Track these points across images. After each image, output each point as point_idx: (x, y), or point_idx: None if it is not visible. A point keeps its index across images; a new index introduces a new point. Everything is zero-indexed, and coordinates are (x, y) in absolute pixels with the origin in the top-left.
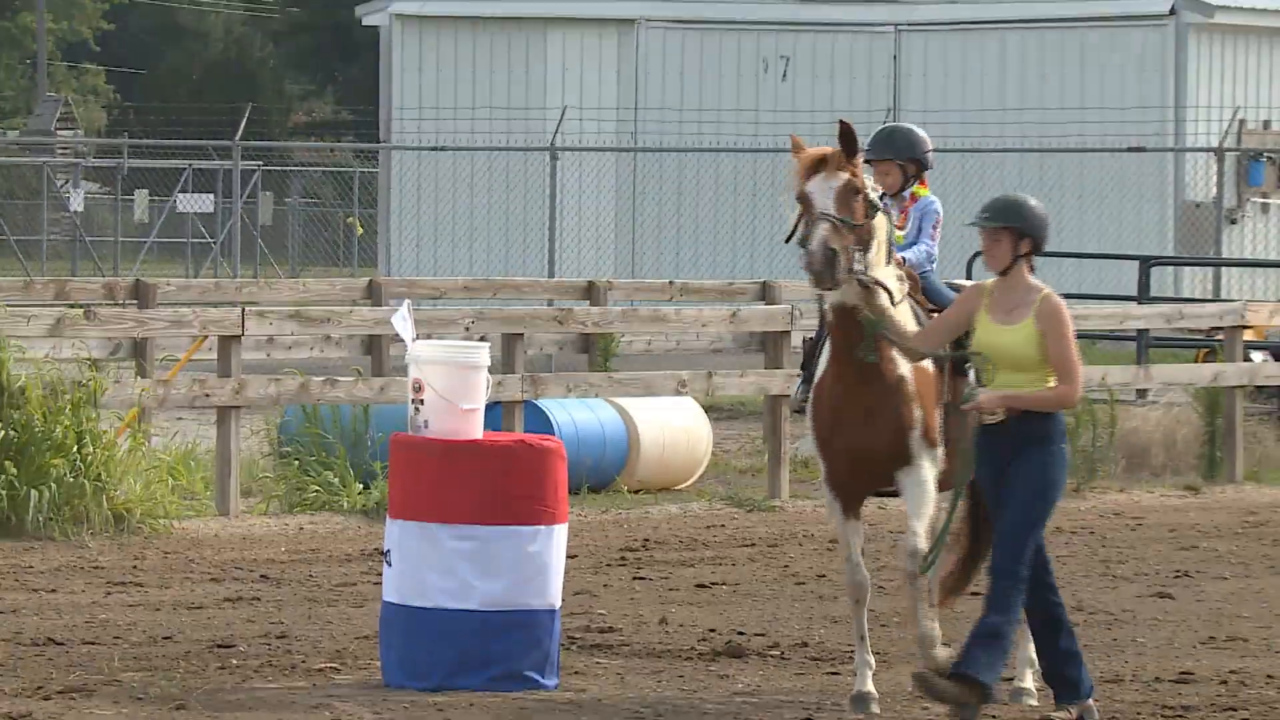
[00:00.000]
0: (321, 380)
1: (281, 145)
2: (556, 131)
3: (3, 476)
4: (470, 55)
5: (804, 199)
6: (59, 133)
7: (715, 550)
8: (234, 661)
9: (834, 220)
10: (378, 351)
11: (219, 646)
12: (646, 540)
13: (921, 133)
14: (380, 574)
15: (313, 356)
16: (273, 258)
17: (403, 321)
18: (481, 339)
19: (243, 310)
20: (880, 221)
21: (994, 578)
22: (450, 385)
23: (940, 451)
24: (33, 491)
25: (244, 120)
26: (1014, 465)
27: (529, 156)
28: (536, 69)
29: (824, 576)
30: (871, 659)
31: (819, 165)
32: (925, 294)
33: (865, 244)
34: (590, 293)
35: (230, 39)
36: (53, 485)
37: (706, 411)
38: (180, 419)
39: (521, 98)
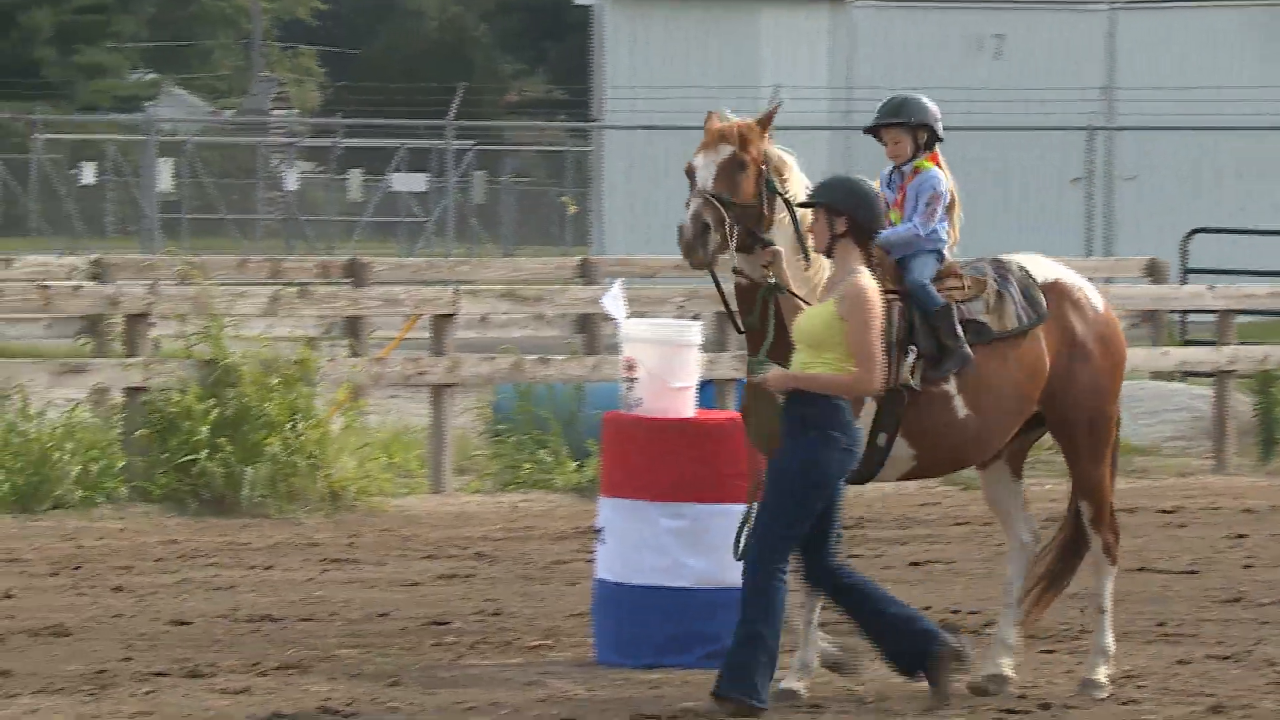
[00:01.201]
0: (534, 359)
1: (494, 124)
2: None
3: (219, 454)
4: (682, 34)
5: (689, 173)
6: (274, 112)
7: (929, 528)
8: (448, 638)
9: (708, 196)
10: (591, 330)
11: (434, 623)
12: (860, 518)
13: (933, 105)
14: (593, 552)
15: (526, 335)
16: (486, 237)
17: (613, 301)
18: (694, 317)
19: (456, 289)
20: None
21: (744, 575)
22: (662, 363)
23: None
24: (248, 469)
25: (457, 100)
26: (782, 449)
27: None
28: (747, 47)
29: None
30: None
31: (712, 140)
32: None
33: (758, 223)
34: None
35: (443, 18)
36: (268, 463)
37: None
38: (394, 397)
39: (732, 76)
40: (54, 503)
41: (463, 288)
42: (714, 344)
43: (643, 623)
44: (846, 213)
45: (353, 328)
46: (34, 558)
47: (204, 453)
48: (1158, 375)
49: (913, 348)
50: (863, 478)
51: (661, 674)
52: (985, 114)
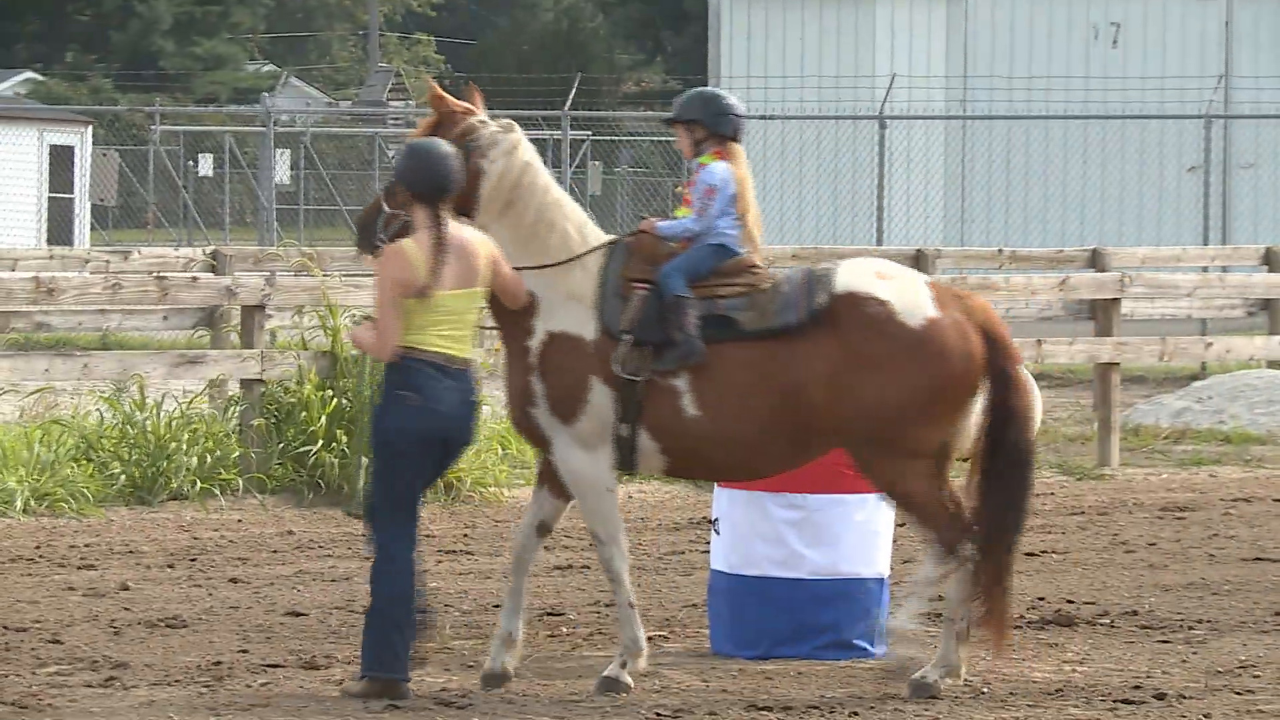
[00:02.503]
0: None
1: (611, 115)
2: (885, 100)
3: (335, 445)
4: (799, 23)
5: None
6: (390, 103)
7: (1044, 518)
8: (563, 629)
9: (385, 186)
10: None
11: (548, 614)
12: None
13: (729, 99)
14: (708, 543)
15: None
16: (602, 227)
17: None
18: None
19: None
20: (493, 190)
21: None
22: None
23: (585, 428)
24: (364, 460)
25: (573, 90)
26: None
27: (857, 125)
28: (865, 37)
29: (1154, 545)
30: (507, 630)
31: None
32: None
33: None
34: (919, 261)
35: (560, 8)
36: None
37: (1036, 379)
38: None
39: (850, 65)
40: (171, 494)
41: None
42: None
43: (758, 614)
44: (402, 184)
45: None
46: (151, 549)
47: (320, 444)
48: (1274, 364)
49: (626, 336)
50: (623, 467)
51: (776, 665)
52: (1102, 102)
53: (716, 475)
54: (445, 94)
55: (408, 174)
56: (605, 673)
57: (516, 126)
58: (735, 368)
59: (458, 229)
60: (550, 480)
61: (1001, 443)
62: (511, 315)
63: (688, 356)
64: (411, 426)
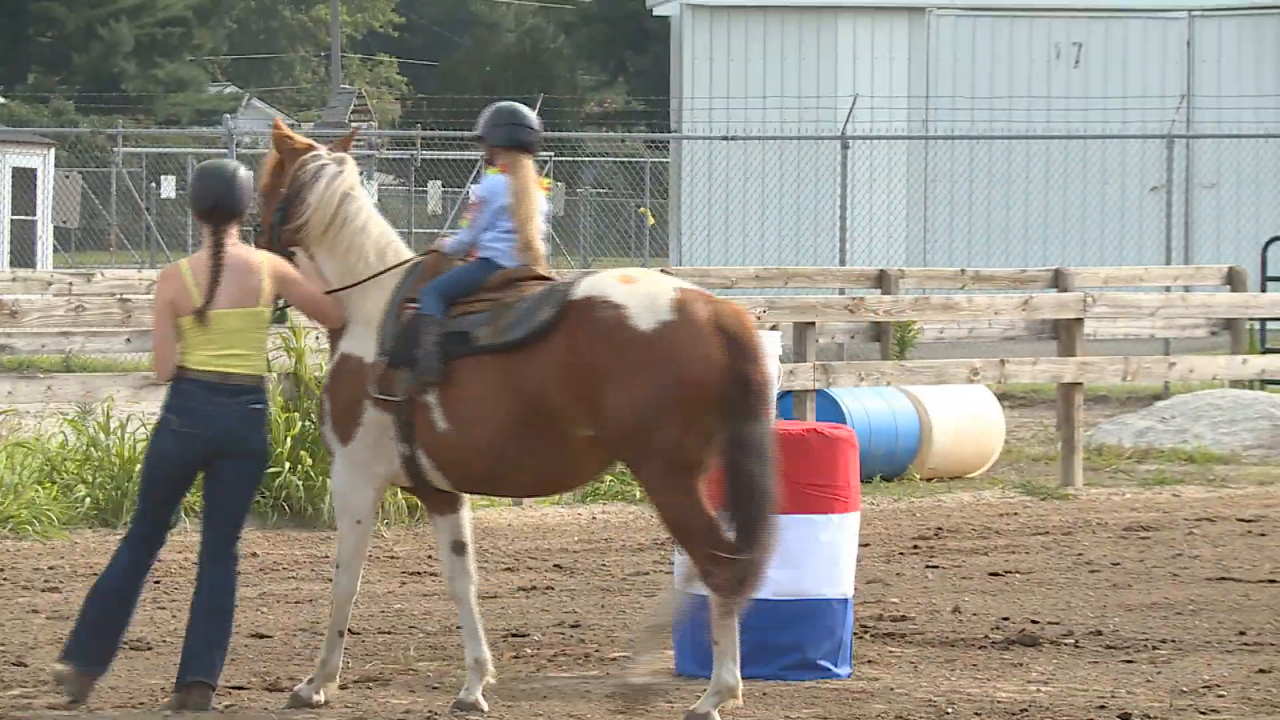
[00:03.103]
0: None
1: (573, 135)
2: (848, 120)
3: (300, 467)
4: (760, 44)
5: None
6: (352, 124)
7: (1008, 538)
8: (528, 650)
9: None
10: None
11: (513, 635)
12: (939, 529)
13: (512, 112)
14: (672, 563)
15: None
16: (564, 248)
17: None
18: (773, 328)
19: None
20: (316, 219)
21: None
22: None
23: (358, 450)
24: (329, 482)
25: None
26: None
27: (820, 145)
28: (827, 57)
29: (1118, 564)
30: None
31: None
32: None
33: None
34: (882, 281)
35: (522, 29)
36: None
37: (999, 399)
38: None
39: (812, 86)
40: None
41: None
42: (793, 354)
43: None
44: (191, 204)
45: None
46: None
47: (285, 466)
48: (1237, 383)
49: (382, 357)
50: (417, 486)
51: (742, 685)
52: (1064, 122)
53: (498, 489)
54: (288, 132)
55: (193, 194)
56: (297, 688)
57: (349, 159)
58: (474, 382)
59: (240, 249)
60: (434, 500)
61: (738, 443)
62: (331, 337)
63: (424, 374)
64: (167, 451)
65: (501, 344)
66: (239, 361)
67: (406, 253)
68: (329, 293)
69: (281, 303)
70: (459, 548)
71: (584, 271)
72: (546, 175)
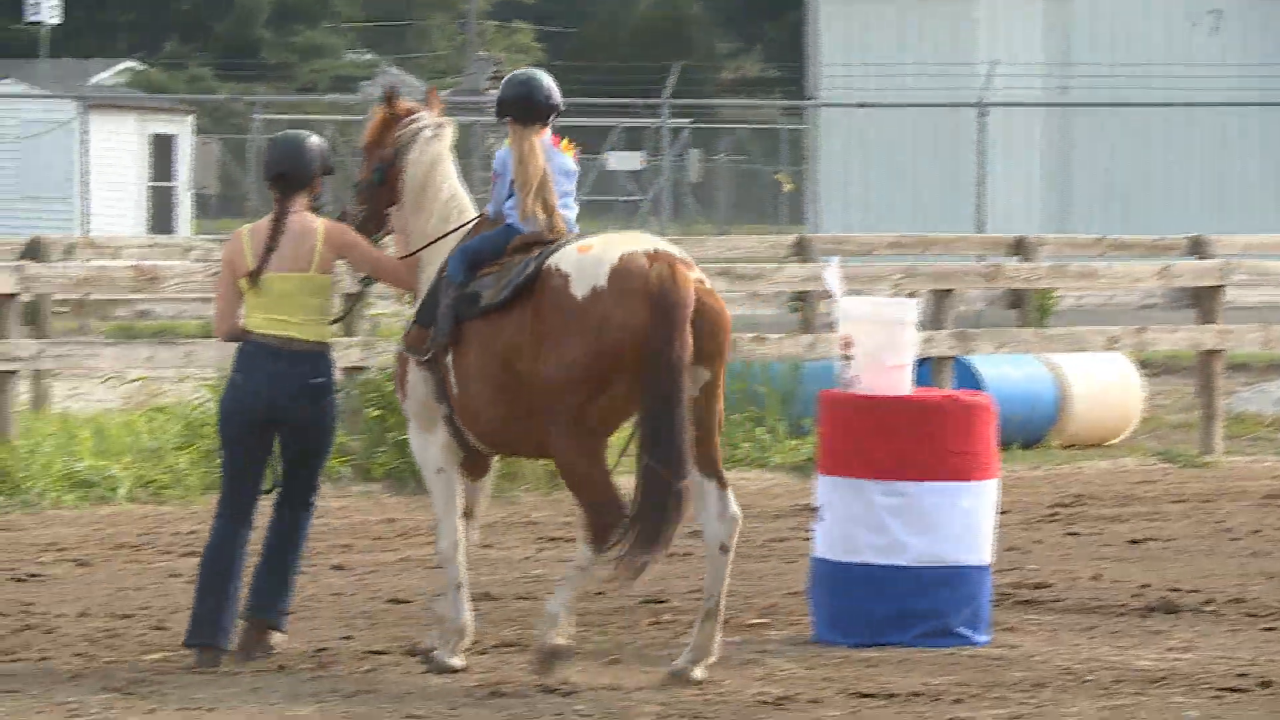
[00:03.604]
0: (751, 337)
1: (710, 103)
2: (985, 86)
3: None
4: (897, 11)
5: None
6: (489, 92)
7: (1148, 506)
8: (666, 616)
9: None
10: (807, 307)
11: (651, 601)
12: (1078, 496)
13: (510, 82)
14: (810, 530)
15: (742, 313)
16: (701, 215)
17: (833, 278)
18: (910, 295)
19: None
20: (408, 183)
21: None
22: (879, 341)
23: (411, 407)
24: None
25: (673, 78)
26: None
27: (957, 111)
28: (964, 23)
29: (1259, 532)
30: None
31: None
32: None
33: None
34: (1020, 248)
35: None
36: None
37: (1138, 367)
38: None
39: (949, 53)
40: (274, 482)
41: None
42: (930, 322)
43: (861, 601)
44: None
45: None
46: (254, 537)
47: None
48: None
49: (413, 321)
50: (464, 449)
51: (879, 652)
52: (1203, 89)
53: (517, 451)
54: (398, 98)
55: (264, 162)
56: (434, 652)
57: (447, 125)
58: (473, 344)
59: (301, 216)
60: (468, 464)
61: (644, 415)
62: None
63: (436, 336)
64: (233, 408)
65: (490, 307)
66: (294, 327)
67: (469, 216)
68: (404, 257)
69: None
70: (465, 514)
71: (574, 236)
72: (683, 143)
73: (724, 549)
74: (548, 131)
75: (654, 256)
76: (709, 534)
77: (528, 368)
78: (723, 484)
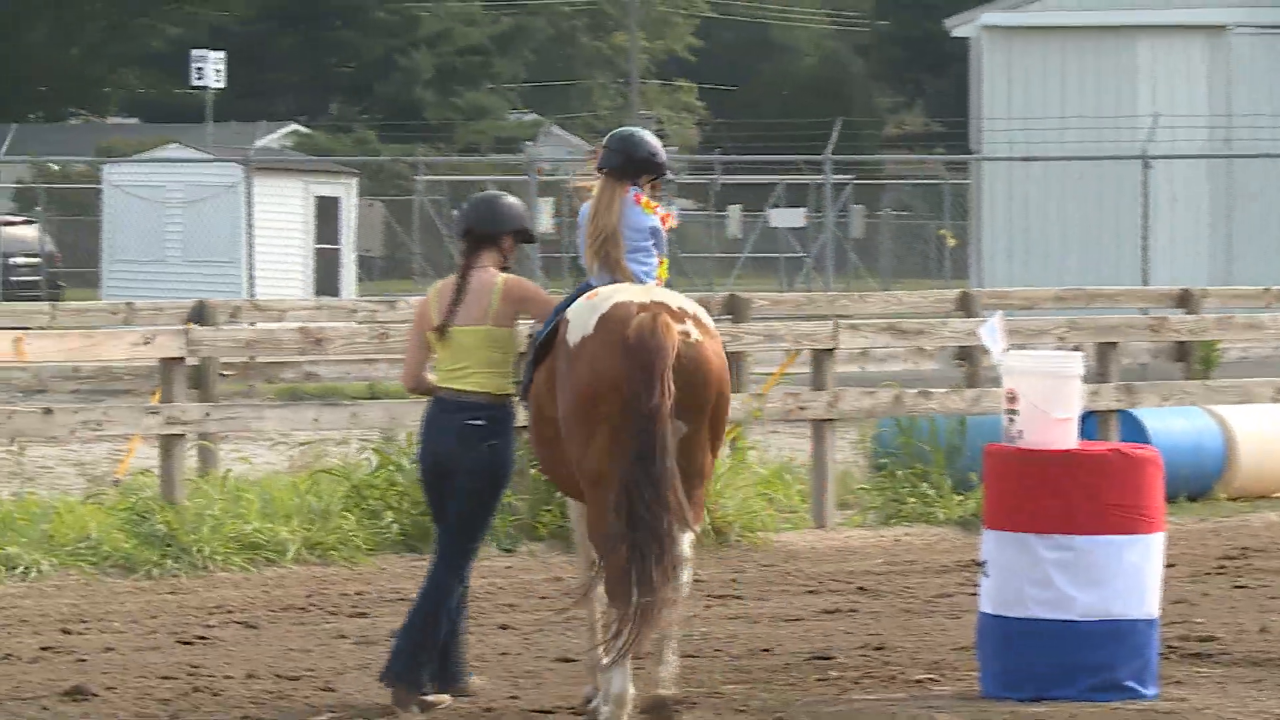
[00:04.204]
0: (915, 392)
1: (872, 158)
2: (1149, 138)
3: None
4: (1059, 65)
5: None
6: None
7: None
8: (832, 673)
9: None
10: (971, 362)
11: (817, 658)
12: (1246, 548)
13: (614, 136)
14: (977, 585)
15: (906, 369)
16: (865, 270)
17: (990, 333)
18: (1075, 349)
19: (835, 324)
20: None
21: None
22: (1044, 395)
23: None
24: None
25: (835, 134)
26: None
27: (1120, 164)
28: (1126, 77)
29: None
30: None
31: None
32: None
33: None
34: (1185, 300)
35: (820, 53)
36: None
37: None
38: (774, 433)
39: (1111, 106)
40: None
41: (843, 322)
42: (1095, 375)
43: (1028, 656)
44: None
45: (734, 364)
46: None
47: None
48: None
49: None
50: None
51: (1048, 707)
52: None
53: (569, 492)
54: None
55: (456, 218)
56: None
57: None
58: (528, 393)
59: (486, 272)
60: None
61: (624, 464)
62: None
63: (521, 390)
64: (419, 461)
65: (531, 358)
66: (465, 379)
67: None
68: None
69: None
70: None
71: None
72: (846, 199)
73: None
74: (631, 189)
75: (645, 307)
76: None
77: (551, 413)
78: (685, 529)
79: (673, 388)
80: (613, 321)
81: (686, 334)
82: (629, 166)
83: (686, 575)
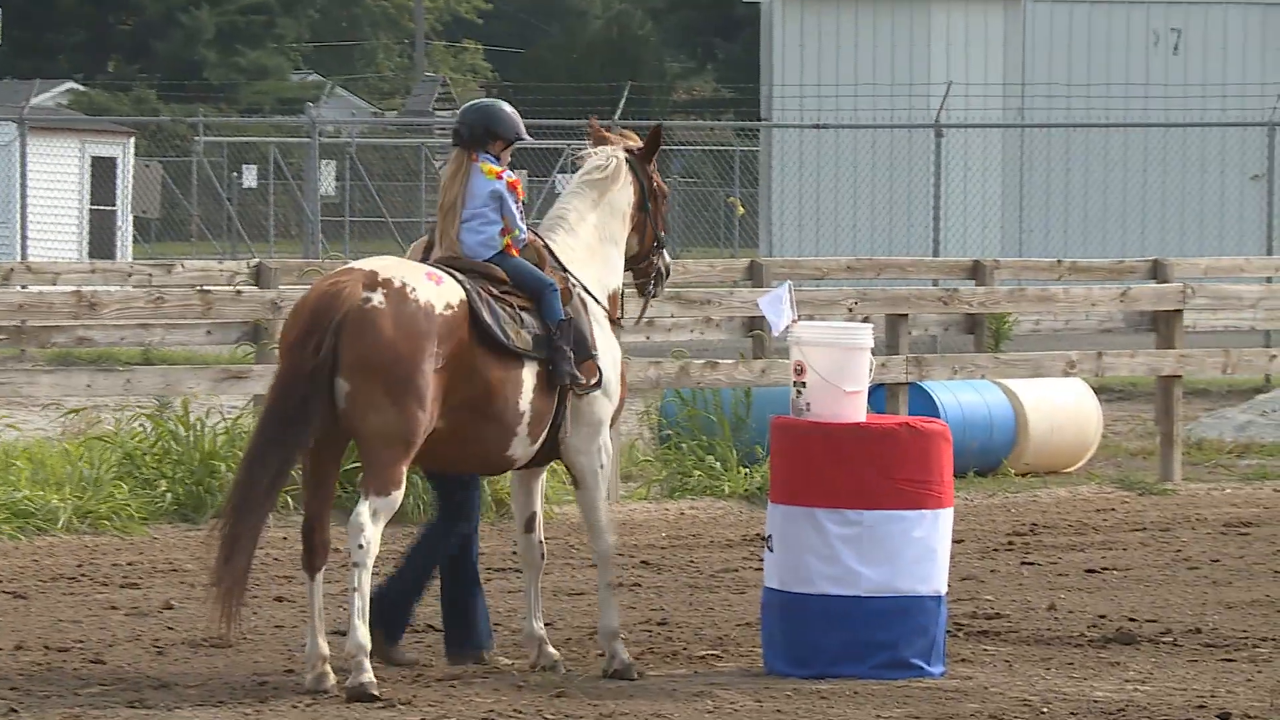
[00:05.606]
0: (702, 363)
1: (661, 124)
2: (942, 108)
3: None
4: (852, 31)
5: None
6: (437, 113)
7: (1105, 534)
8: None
9: None
10: (759, 333)
11: (598, 633)
12: (1034, 525)
13: (465, 109)
14: (762, 560)
15: (693, 339)
16: None
17: (775, 303)
18: (865, 320)
19: (621, 292)
20: None
21: None
22: (833, 367)
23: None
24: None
25: (623, 99)
26: None
27: (913, 134)
28: (920, 45)
29: (1218, 561)
30: None
31: None
32: None
33: None
34: (976, 272)
35: (609, 16)
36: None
37: (1096, 392)
38: None
39: (905, 74)
40: (216, 512)
41: (627, 291)
42: (885, 347)
43: (813, 632)
44: None
45: None
46: (195, 568)
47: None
48: None
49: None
50: None
51: (831, 684)
52: (1163, 110)
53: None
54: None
55: None
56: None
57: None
58: None
59: None
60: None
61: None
62: None
63: None
64: None
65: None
66: None
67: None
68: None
69: None
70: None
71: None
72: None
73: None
74: (482, 157)
75: (342, 274)
76: None
77: None
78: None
79: (334, 347)
80: (309, 291)
81: (368, 299)
82: (474, 136)
83: (365, 539)
